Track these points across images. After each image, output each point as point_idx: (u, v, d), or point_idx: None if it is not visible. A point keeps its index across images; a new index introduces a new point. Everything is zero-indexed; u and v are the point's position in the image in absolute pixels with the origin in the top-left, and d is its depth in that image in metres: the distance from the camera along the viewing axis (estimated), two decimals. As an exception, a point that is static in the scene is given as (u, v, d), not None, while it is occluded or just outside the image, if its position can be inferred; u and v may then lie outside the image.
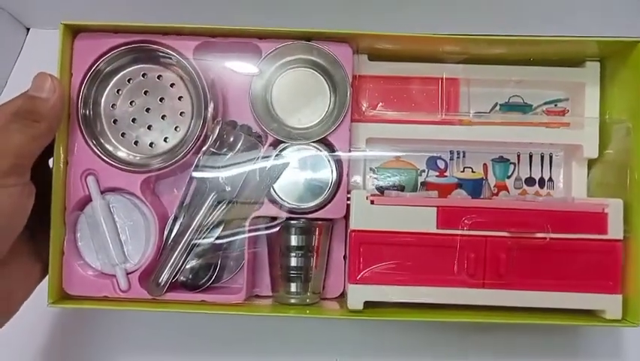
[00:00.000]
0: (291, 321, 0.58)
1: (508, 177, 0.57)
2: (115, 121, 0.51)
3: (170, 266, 0.50)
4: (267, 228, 0.51)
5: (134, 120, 0.51)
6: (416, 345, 0.58)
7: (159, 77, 0.51)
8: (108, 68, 0.50)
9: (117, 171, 0.50)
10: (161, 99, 0.51)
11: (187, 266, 0.51)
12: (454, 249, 0.48)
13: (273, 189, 0.50)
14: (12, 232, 0.43)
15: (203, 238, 0.50)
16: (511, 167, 0.57)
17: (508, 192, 0.57)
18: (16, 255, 0.45)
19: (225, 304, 0.50)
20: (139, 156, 0.51)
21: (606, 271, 0.49)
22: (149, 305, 0.49)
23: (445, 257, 0.48)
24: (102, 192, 0.50)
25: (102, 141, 0.50)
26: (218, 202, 0.50)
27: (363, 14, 0.61)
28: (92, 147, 0.50)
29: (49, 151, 0.47)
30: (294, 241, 0.51)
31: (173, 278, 0.50)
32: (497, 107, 0.56)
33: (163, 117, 0.51)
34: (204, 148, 0.50)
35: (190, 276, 0.51)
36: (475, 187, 0.57)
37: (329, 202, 0.51)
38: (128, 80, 0.51)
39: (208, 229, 0.50)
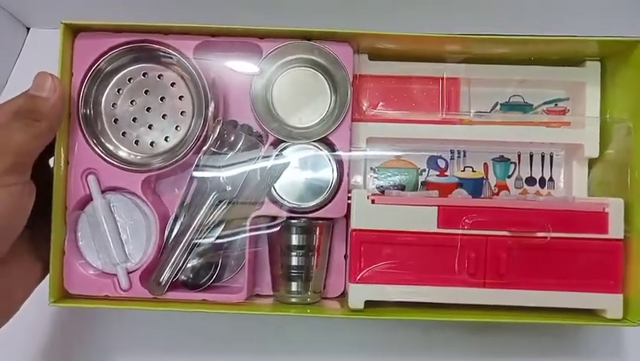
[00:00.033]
0: (291, 320, 0.58)
1: (509, 177, 0.57)
2: (115, 120, 0.51)
3: (171, 265, 0.50)
4: (267, 227, 0.51)
5: (134, 120, 0.51)
6: (416, 345, 0.58)
7: (160, 76, 0.51)
8: (109, 68, 0.50)
9: (118, 171, 0.50)
10: (162, 99, 0.51)
11: (188, 265, 0.51)
12: (455, 248, 0.48)
13: (274, 189, 0.50)
14: (12, 231, 0.43)
15: (204, 237, 0.50)
16: (512, 166, 0.57)
17: (508, 191, 0.57)
18: (17, 254, 0.45)
19: (226, 303, 0.50)
20: (140, 155, 0.51)
21: (607, 271, 0.49)
22: (150, 304, 0.49)
23: (446, 257, 0.48)
24: (103, 192, 0.50)
25: (103, 140, 0.50)
26: (219, 202, 0.50)
27: (364, 14, 0.61)
28: (93, 146, 0.50)
29: (49, 150, 0.47)
30: (294, 240, 0.51)
31: (174, 277, 0.50)
32: (498, 107, 0.56)
33: (164, 117, 0.51)
34: (205, 148, 0.50)
35: (191, 275, 0.51)
36: (475, 187, 0.57)
37: (330, 202, 0.51)
38: (129, 80, 0.51)
39: (209, 228, 0.50)
